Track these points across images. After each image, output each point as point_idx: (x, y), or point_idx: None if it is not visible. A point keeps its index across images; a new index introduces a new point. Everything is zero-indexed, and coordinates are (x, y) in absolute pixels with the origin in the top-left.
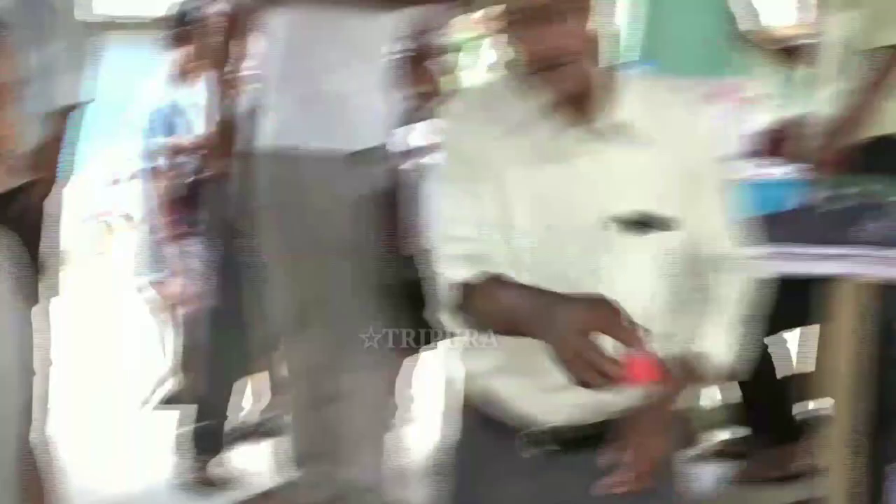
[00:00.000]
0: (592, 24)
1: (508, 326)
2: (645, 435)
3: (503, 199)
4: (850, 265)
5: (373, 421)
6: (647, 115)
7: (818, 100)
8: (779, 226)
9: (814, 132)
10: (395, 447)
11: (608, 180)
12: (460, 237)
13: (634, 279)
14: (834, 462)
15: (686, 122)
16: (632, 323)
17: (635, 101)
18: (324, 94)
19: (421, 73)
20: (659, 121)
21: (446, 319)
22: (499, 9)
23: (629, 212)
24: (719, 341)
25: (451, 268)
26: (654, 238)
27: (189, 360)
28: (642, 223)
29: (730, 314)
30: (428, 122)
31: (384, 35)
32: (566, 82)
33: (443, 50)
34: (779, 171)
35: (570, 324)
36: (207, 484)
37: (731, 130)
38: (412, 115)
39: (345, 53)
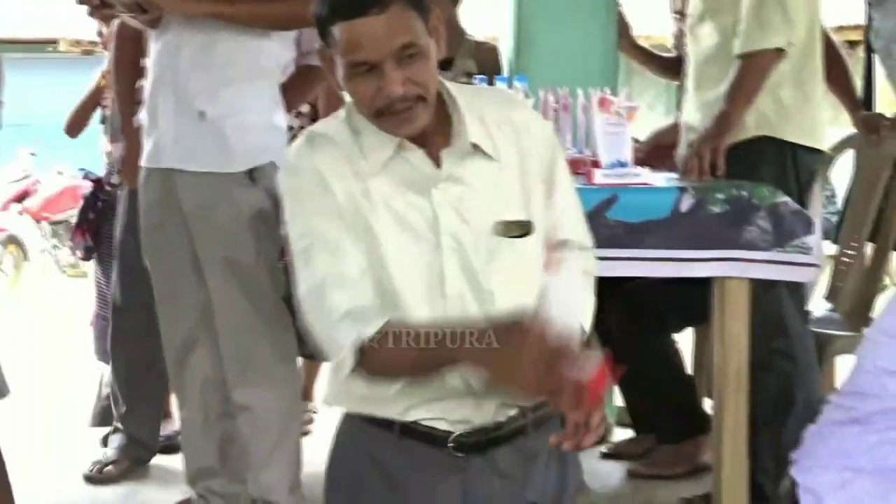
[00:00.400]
0: (433, 64)
1: (423, 373)
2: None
3: (373, 241)
4: (727, 268)
5: (276, 434)
6: (488, 130)
7: (691, 108)
8: (656, 232)
9: (687, 140)
10: (300, 458)
11: (474, 198)
12: (338, 299)
13: (523, 280)
14: (725, 455)
15: (520, 129)
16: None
17: (473, 117)
18: (199, 117)
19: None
20: (498, 134)
21: (348, 376)
22: (337, 60)
23: (497, 222)
24: (586, 312)
25: (339, 333)
26: (525, 241)
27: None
28: (512, 230)
29: (588, 283)
30: None
31: (265, 56)
32: (408, 125)
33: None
34: (656, 178)
35: (522, 357)
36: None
37: (609, 140)
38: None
39: (219, 77)
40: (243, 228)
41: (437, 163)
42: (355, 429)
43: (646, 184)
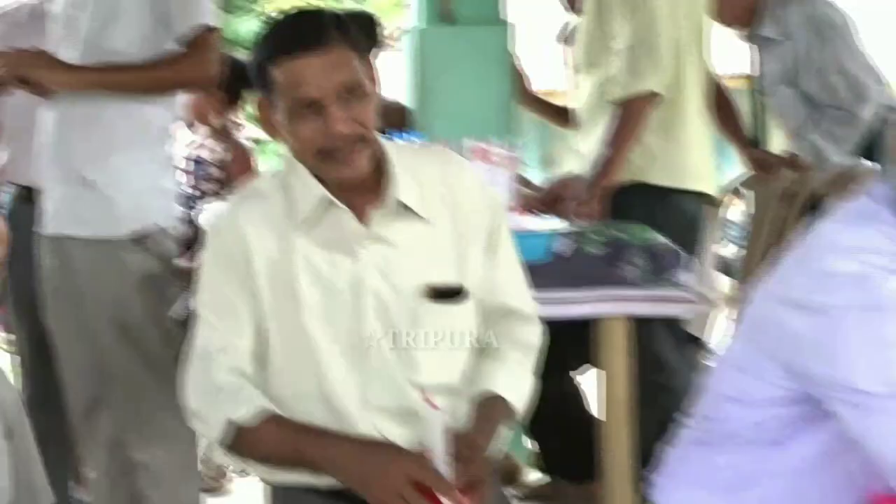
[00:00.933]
0: (374, 106)
1: (290, 465)
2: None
3: (295, 302)
4: (605, 306)
5: (172, 489)
6: (421, 191)
7: (575, 157)
8: (535, 274)
9: (576, 186)
10: None
11: (401, 259)
12: (221, 372)
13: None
14: (613, 491)
15: (457, 191)
16: (437, 470)
17: (407, 177)
18: (87, 183)
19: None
20: (432, 194)
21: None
22: (277, 104)
23: (425, 285)
24: (519, 385)
25: (210, 407)
26: (455, 306)
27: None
28: (441, 294)
29: (528, 360)
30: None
31: (151, 120)
32: (350, 167)
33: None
34: (535, 224)
35: (392, 486)
36: None
37: (497, 188)
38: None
39: (105, 144)
40: (132, 291)
41: (366, 222)
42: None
43: (523, 229)
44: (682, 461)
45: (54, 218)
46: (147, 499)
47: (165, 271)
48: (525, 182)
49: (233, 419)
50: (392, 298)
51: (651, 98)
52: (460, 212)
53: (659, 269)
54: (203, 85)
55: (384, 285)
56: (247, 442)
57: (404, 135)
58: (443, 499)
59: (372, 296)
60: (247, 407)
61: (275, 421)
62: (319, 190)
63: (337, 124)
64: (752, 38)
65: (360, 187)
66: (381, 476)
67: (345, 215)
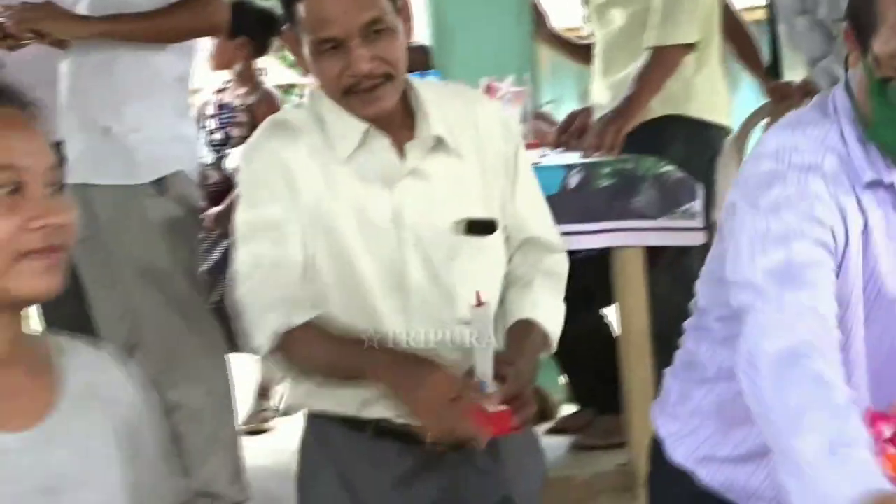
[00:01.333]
0: (401, 43)
1: (335, 374)
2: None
3: (336, 233)
4: (619, 238)
5: (210, 428)
6: (450, 126)
7: (600, 89)
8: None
9: (594, 121)
10: (237, 450)
11: (437, 193)
12: (273, 284)
13: (484, 276)
14: (634, 423)
15: (480, 125)
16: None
17: (437, 113)
18: (104, 132)
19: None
20: (459, 129)
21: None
22: (303, 39)
23: (460, 219)
24: (552, 313)
25: (266, 317)
26: (488, 239)
27: None
28: (475, 227)
29: (558, 289)
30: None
31: (164, 68)
32: (376, 104)
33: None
34: (546, 158)
35: (436, 395)
36: None
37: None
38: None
39: (120, 92)
40: (155, 237)
41: (402, 154)
42: (321, 435)
43: (534, 163)
44: (673, 383)
45: (76, 167)
46: (184, 437)
47: (189, 216)
48: (543, 118)
49: (287, 325)
50: (429, 232)
51: (687, 49)
52: (483, 146)
53: (672, 201)
54: (211, 32)
55: (421, 220)
56: (296, 348)
57: (424, 75)
58: (486, 410)
59: (410, 229)
60: (300, 315)
61: (325, 328)
62: (361, 123)
63: (360, 63)
64: None
65: (392, 124)
66: (427, 385)
67: (384, 146)
